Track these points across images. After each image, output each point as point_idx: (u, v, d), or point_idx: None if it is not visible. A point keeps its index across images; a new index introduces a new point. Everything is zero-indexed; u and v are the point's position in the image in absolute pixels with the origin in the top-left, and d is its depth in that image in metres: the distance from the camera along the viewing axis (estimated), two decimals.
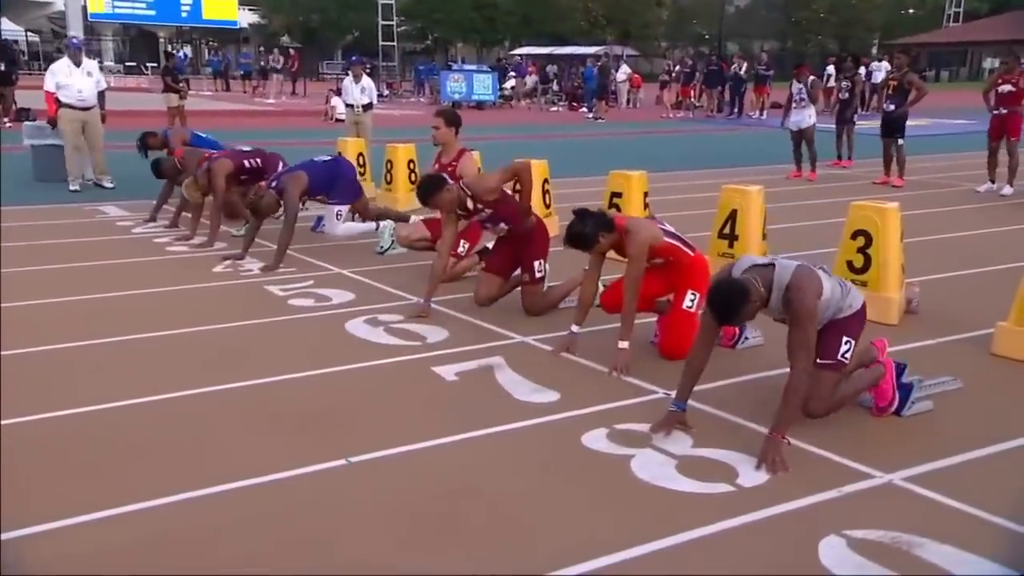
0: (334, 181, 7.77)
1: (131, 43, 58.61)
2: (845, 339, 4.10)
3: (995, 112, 12.00)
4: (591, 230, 4.92)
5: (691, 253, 5.20)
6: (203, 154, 9.16)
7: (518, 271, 6.12)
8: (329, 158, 8.18)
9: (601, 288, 5.60)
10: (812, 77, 13.71)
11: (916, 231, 8.14)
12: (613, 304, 5.27)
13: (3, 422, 4.12)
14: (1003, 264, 7.53)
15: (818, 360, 4.02)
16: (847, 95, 14.38)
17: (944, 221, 9.91)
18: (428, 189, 5.84)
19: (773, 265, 4.01)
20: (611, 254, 5.19)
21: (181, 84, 18.19)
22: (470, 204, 5.91)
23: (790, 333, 3.94)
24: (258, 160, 8.51)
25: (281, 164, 8.72)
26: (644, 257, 4.96)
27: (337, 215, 7.83)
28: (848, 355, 4.13)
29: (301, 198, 7.47)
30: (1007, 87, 11.84)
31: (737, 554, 3.16)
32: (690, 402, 4.48)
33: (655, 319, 5.45)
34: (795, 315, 3.90)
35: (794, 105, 13.50)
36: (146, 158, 9.57)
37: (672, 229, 5.25)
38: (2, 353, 5.09)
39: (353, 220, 8.37)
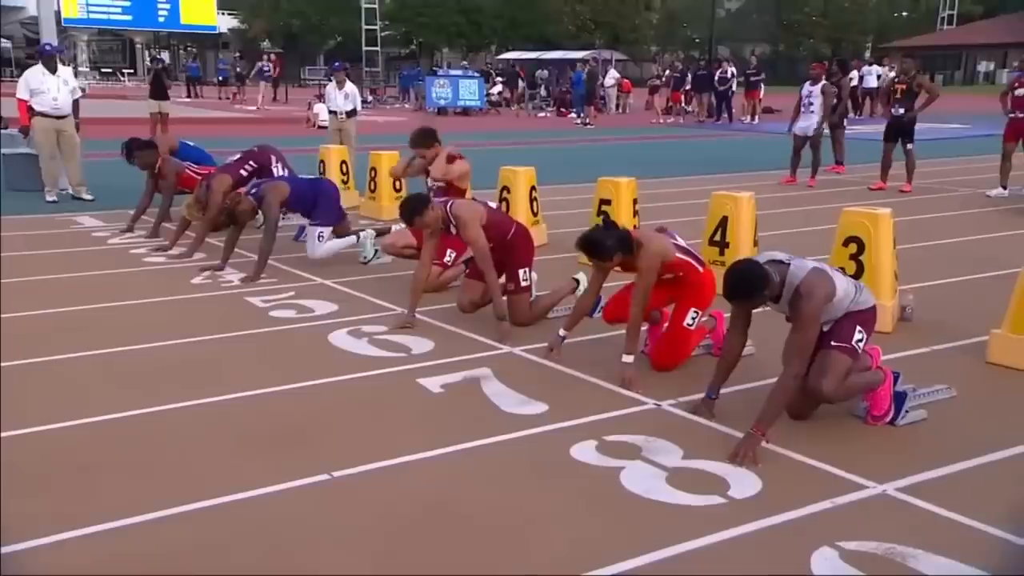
0: (315, 199, 7.61)
1: (107, 49, 58.17)
2: (859, 329, 4.20)
3: (1011, 115, 11.97)
4: (612, 244, 4.84)
5: (701, 269, 5.13)
6: (184, 167, 9.12)
7: (503, 279, 6.04)
8: (313, 177, 8.10)
9: (603, 301, 5.52)
10: (824, 82, 13.39)
11: (909, 237, 8.11)
12: (614, 315, 5.22)
13: None
14: (997, 270, 7.49)
15: (832, 343, 4.15)
16: (834, 100, 14.22)
17: (938, 227, 9.88)
18: (411, 210, 5.78)
19: (789, 264, 4.11)
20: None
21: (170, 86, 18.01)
22: (453, 230, 5.84)
23: (790, 335, 4.06)
24: (252, 163, 8.47)
25: (274, 156, 8.69)
26: (655, 271, 4.89)
27: (319, 237, 7.63)
28: (861, 344, 4.21)
29: (281, 207, 7.37)
30: (1022, 90, 11.81)
31: (729, 566, 3.12)
32: (680, 413, 4.48)
33: (645, 328, 5.38)
34: (798, 318, 4.03)
35: (803, 109, 13.28)
36: (131, 163, 9.47)
37: (684, 243, 5.18)
38: None
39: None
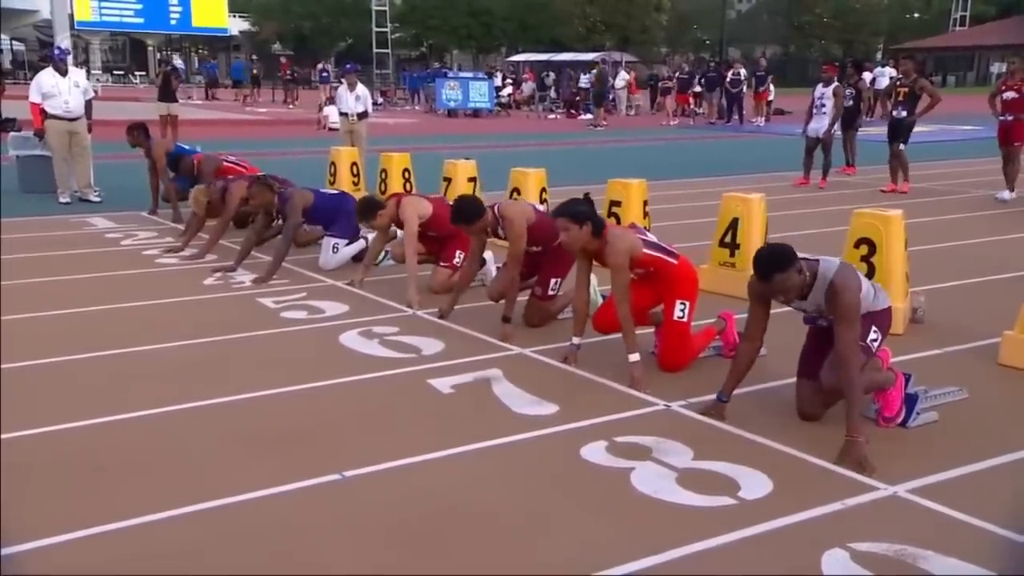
0: (336, 213, 7.71)
1: (119, 52, 58.52)
2: (874, 329, 4.21)
3: (1000, 119, 11.88)
4: (586, 210, 4.89)
5: (674, 262, 5.13)
6: (221, 161, 9.28)
7: (534, 278, 6.05)
8: (336, 192, 8.24)
9: (600, 300, 5.52)
10: (836, 84, 13.35)
11: (921, 239, 8.09)
12: (603, 323, 5.23)
13: None
14: (1009, 273, 7.49)
15: None
16: (851, 102, 14.11)
17: (950, 229, 9.83)
18: (467, 215, 5.79)
19: (819, 260, 4.15)
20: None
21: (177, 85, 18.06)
22: (500, 232, 5.87)
23: (839, 334, 4.00)
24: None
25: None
26: (626, 267, 4.90)
27: (333, 248, 7.69)
28: (875, 344, 4.22)
29: (303, 215, 7.42)
30: (1011, 93, 11.72)
31: (739, 568, 3.12)
32: (690, 414, 4.47)
33: (652, 331, 5.38)
34: (843, 311, 4.00)
35: (815, 111, 13.26)
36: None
37: (653, 238, 5.19)
38: None
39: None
